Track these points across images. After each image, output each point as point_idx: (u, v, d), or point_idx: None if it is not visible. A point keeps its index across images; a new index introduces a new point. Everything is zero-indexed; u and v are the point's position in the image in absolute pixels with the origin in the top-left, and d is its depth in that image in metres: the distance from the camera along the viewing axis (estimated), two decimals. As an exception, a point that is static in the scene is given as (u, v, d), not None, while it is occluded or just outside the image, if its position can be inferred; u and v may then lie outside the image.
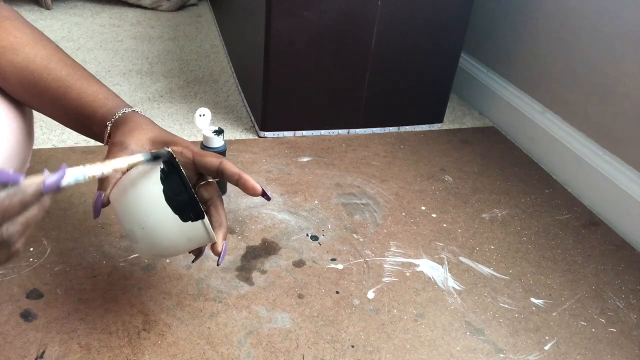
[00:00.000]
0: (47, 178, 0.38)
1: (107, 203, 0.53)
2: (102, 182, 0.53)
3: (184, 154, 0.54)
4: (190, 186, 0.50)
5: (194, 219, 0.50)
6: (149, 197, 0.50)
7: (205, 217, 0.51)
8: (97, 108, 0.56)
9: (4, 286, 0.68)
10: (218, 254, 0.54)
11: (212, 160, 0.53)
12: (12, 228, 0.37)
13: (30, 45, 0.56)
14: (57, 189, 0.39)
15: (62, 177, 0.39)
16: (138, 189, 0.50)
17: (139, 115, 0.56)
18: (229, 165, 0.53)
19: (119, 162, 0.47)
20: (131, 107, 0.57)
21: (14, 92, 0.58)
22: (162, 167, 0.50)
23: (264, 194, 0.54)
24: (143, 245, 0.52)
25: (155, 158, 0.50)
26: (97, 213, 0.53)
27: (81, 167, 0.42)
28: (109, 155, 0.52)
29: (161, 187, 0.50)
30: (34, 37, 0.58)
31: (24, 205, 0.37)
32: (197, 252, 0.58)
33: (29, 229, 0.38)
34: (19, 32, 0.57)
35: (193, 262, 0.59)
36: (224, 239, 0.55)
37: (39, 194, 0.37)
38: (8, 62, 0.55)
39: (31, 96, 0.58)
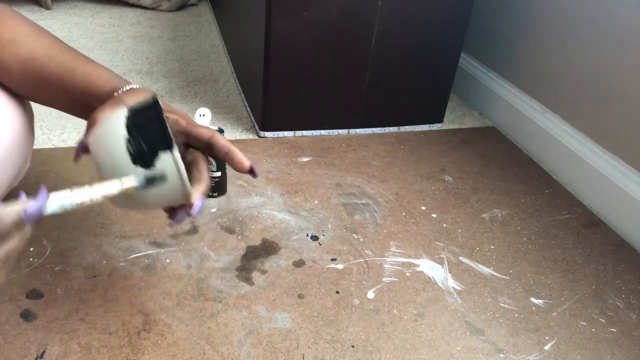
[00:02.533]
0: (29, 206, 0.34)
1: (86, 147, 0.50)
2: (89, 124, 0.50)
3: (178, 123, 0.53)
4: (170, 133, 0.47)
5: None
6: (113, 122, 0.46)
7: (178, 156, 0.47)
8: (103, 85, 0.55)
9: (4, 286, 0.68)
10: (191, 205, 0.50)
11: (204, 131, 0.53)
12: None
13: (31, 37, 0.57)
14: (39, 218, 0.35)
15: (44, 204, 0.35)
16: (106, 139, 0.46)
17: (144, 89, 0.55)
18: (220, 138, 0.52)
19: (110, 187, 0.43)
20: (138, 86, 0.56)
21: (17, 85, 0.58)
22: (132, 109, 0.47)
23: (251, 171, 0.52)
24: (106, 166, 0.48)
25: (149, 181, 0.46)
26: (76, 156, 0.51)
27: (67, 191, 0.38)
28: (104, 104, 0.50)
29: (126, 112, 0.46)
30: (34, 29, 0.58)
31: (3, 237, 0.34)
32: (173, 214, 0.53)
33: (10, 260, 0.35)
34: (19, 27, 0.57)
35: (170, 226, 0.53)
36: (203, 194, 0.51)
37: (20, 224, 0.34)
38: (12, 55, 0.56)
39: (35, 86, 0.58)
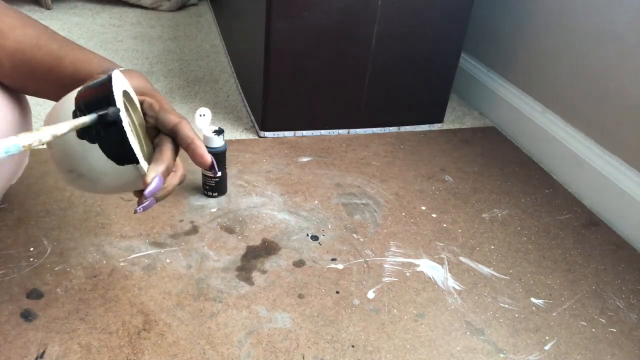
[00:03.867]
0: None
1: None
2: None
3: (152, 107, 0.50)
4: (124, 112, 0.44)
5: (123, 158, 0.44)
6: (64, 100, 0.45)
7: (135, 143, 0.45)
8: (92, 70, 0.55)
9: (4, 286, 0.68)
10: (145, 184, 0.46)
11: (172, 117, 0.49)
12: None
13: (19, 28, 0.57)
14: None
15: None
16: (56, 115, 0.45)
17: (134, 71, 0.55)
18: (186, 129, 0.48)
19: (60, 128, 0.40)
20: (129, 69, 0.56)
21: (8, 78, 0.58)
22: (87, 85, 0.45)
23: (212, 167, 0.50)
24: (59, 166, 0.47)
25: (101, 118, 0.42)
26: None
27: (13, 137, 0.36)
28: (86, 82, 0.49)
29: (75, 92, 0.44)
30: (21, 20, 0.58)
31: None
32: (139, 196, 0.50)
33: None
34: (5, 17, 0.57)
35: (135, 212, 0.50)
36: (161, 174, 0.47)
37: None
38: None
39: (26, 78, 0.57)
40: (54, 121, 0.44)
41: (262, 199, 0.89)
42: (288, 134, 1.10)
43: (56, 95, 0.59)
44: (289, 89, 1.05)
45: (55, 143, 0.45)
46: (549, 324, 0.71)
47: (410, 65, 1.10)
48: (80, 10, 1.69)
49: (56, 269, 0.71)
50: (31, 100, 0.63)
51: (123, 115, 0.43)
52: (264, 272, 0.75)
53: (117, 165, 0.45)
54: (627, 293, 0.78)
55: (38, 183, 0.87)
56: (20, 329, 0.62)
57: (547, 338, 0.69)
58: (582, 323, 0.72)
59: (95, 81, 0.45)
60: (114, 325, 0.64)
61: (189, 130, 0.48)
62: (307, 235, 0.82)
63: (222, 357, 0.62)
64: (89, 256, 0.74)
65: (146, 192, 0.46)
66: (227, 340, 0.64)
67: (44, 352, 0.60)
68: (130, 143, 0.43)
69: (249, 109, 1.17)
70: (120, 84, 0.46)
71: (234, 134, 1.09)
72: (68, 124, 0.40)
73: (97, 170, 0.45)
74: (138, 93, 0.52)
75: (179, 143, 0.49)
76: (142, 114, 0.51)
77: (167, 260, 0.74)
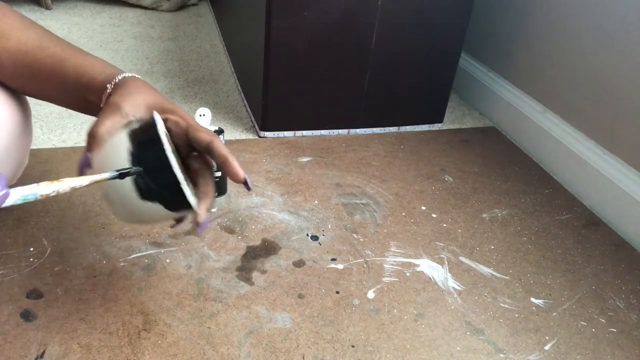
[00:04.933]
0: None
1: (89, 163, 0.51)
2: (90, 142, 0.50)
3: (179, 124, 0.52)
4: (178, 168, 0.48)
5: (176, 206, 0.48)
6: (117, 153, 0.47)
7: (190, 193, 0.49)
8: (96, 76, 0.55)
9: (4, 286, 0.68)
10: (197, 225, 0.51)
11: (204, 136, 0.51)
12: None
13: (20, 30, 0.56)
14: None
15: (5, 199, 0.36)
16: (109, 149, 0.47)
17: (139, 79, 0.55)
18: (220, 146, 0.51)
19: (80, 181, 0.43)
20: (132, 74, 0.56)
21: (10, 79, 0.58)
22: (133, 129, 0.48)
23: (245, 183, 0.52)
24: (121, 216, 0.51)
25: (122, 176, 0.46)
26: (80, 171, 0.51)
27: (34, 185, 0.38)
28: (100, 116, 0.50)
29: (129, 147, 0.47)
30: (22, 22, 0.58)
31: None
32: (179, 220, 0.57)
33: None
34: (8, 19, 0.57)
35: (172, 227, 0.56)
36: (208, 210, 0.52)
37: None
38: (1, 49, 0.55)
39: (27, 79, 0.57)
40: (105, 160, 0.48)
41: (262, 199, 0.89)
42: (288, 134, 1.10)
43: (58, 98, 0.59)
44: (289, 88, 1.05)
45: (118, 203, 0.49)
46: (548, 324, 0.71)
47: (410, 65, 1.10)
48: (80, 10, 1.69)
49: (56, 269, 0.71)
50: (31, 100, 0.63)
51: (181, 178, 0.47)
52: (264, 272, 0.75)
53: (175, 212, 0.51)
54: (627, 293, 0.78)
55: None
56: (20, 329, 0.62)
57: (547, 338, 0.69)
58: (582, 323, 0.72)
59: (141, 128, 0.49)
60: (114, 325, 0.64)
61: (223, 148, 0.51)
62: (307, 235, 0.82)
63: (222, 357, 0.62)
64: (89, 256, 0.74)
65: (199, 229, 0.52)
66: (227, 340, 0.64)
67: (44, 352, 0.60)
68: (191, 201, 0.49)
69: (249, 109, 1.17)
70: (161, 125, 0.49)
71: (234, 134, 1.09)
72: (87, 179, 0.44)
73: (157, 218, 0.51)
74: (157, 109, 0.53)
75: (214, 159, 0.52)
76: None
77: (167, 260, 0.74)
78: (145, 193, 0.47)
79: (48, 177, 0.88)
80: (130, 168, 0.47)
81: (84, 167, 0.51)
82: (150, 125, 0.48)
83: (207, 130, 0.53)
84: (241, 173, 0.51)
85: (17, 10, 0.60)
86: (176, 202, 0.49)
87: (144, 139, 0.48)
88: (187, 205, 0.49)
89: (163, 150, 0.47)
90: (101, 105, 0.54)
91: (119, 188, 0.47)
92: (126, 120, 0.51)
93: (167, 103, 0.54)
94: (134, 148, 0.47)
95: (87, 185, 0.44)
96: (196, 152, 0.55)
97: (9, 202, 0.37)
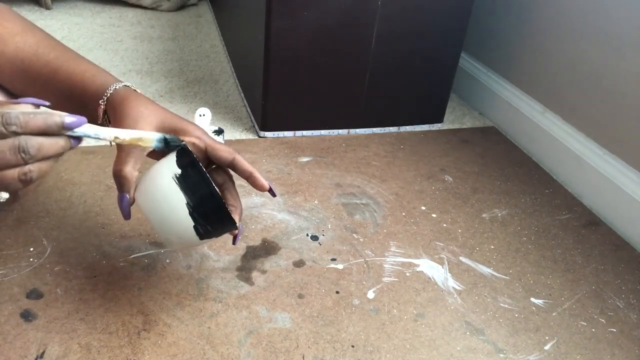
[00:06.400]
0: (69, 118, 0.41)
1: (133, 202, 0.55)
2: (122, 182, 0.53)
3: (196, 145, 0.55)
4: (218, 192, 0.53)
5: (221, 229, 0.55)
6: (174, 208, 0.52)
7: (231, 216, 0.54)
8: (87, 86, 0.55)
9: (4, 286, 0.68)
10: (235, 236, 0.59)
11: (226, 155, 0.56)
12: (31, 141, 0.38)
13: (19, 35, 0.57)
14: (76, 139, 0.42)
15: (83, 122, 0.41)
16: (161, 198, 0.52)
17: (133, 96, 0.55)
18: (242, 162, 0.57)
19: (133, 133, 0.50)
20: (121, 82, 0.56)
21: (9, 83, 0.58)
22: (178, 174, 0.51)
23: (270, 190, 0.58)
24: (175, 245, 0.56)
25: (166, 143, 0.53)
26: (126, 215, 0.55)
27: (99, 127, 0.45)
28: (119, 154, 0.53)
29: (184, 199, 0.51)
30: (22, 26, 0.58)
31: (44, 128, 0.39)
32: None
33: (45, 160, 0.40)
34: (8, 23, 0.57)
35: (234, 243, 0.62)
36: (239, 220, 0.58)
37: (60, 128, 0.40)
38: (0, 53, 0.55)
39: (25, 85, 0.58)
40: (161, 207, 0.53)
41: (261, 199, 0.89)
42: (288, 134, 1.10)
43: (57, 105, 0.59)
44: (288, 88, 1.05)
45: (178, 245, 0.56)
46: (548, 324, 0.71)
47: (410, 65, 1.10)
48: (80, 10, 1.69)
49: (56, 269, 0.71)
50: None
51: (223, 205, 0.53)
52: (263, 272, 0.75)
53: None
54: (627, 293, 0.78)
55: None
56: (20, 329, 0.62)
57: (547, 338, 0.69)
58: (582, 323, 0.72)
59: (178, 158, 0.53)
60: (114, 325, 0.64)
61: (245, 163, 0.57)
62: (307, 235, 0.82)
63: (222, 357, 0.62)
64: (89, 256, 0.74)
65: (236, 242, 0.61)
66: (227, 340, 0.64)
67: (44, 352, 0.60)
68: (236, 220, 0.56)
69: (248, 109, 1.17)
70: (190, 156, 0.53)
71: (233, 133, 1.09)
72: (130, 135, 0.51)
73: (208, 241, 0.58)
74: (169, 130, 0.55)
75: (238, 174, 0.58)
76: None
77: (167, 261, 0.74)
78: (204, 235, 0.54)
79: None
80: (173, 139, 0.53)
81: (128, 207, 0.54)
82: (183, 153, 0.52)
83: (225, 148, 0.56)
84: (266, 184, 0.58)
85: (18, 13, 0.60)
86: (225, 230, 0.56)
87: (182, 164, 0.52)
88: (233, 228, 0.56)
89: (203, 174, 0.51)
90: (99, 121, 0.56)
91: (183, 236, 0.53)
92: (147, 152, 0.53)
93: (175, 120, 0.56)
94: (178, 174, 0.52)
95: (128, 141, 0.49)
96: (214, 165, 0.59)
97: (83, 130, 0.42)
